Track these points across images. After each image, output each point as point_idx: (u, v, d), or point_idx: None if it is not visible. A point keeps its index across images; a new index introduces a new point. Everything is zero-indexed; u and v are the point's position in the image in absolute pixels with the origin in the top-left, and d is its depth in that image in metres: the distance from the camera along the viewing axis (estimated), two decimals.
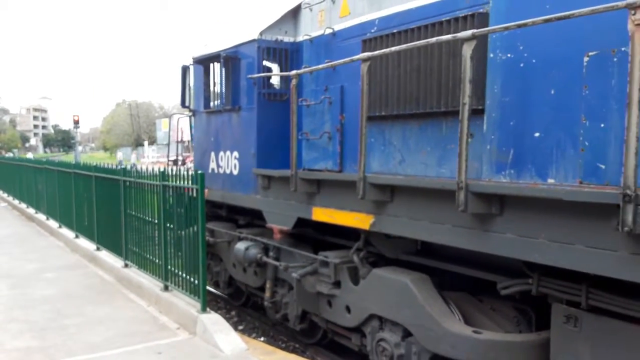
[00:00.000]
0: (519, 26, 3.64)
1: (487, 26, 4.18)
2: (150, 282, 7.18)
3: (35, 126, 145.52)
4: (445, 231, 4.40)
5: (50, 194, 13.12)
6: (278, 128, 6.91)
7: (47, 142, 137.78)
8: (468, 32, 3.88)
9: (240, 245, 7.24)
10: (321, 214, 5.84)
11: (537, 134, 3.87)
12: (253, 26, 7.13)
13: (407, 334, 5.06)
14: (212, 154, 7.97)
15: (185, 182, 6.24)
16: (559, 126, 3.74)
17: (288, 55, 7.07)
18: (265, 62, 7.23)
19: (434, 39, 4.28)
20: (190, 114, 8.65)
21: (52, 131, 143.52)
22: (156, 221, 7.06)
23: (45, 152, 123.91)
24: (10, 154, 56.46)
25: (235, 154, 7.37)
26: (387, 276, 5.25)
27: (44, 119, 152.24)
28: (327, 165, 6.21)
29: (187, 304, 6.20)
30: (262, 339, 7.58)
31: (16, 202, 18.27)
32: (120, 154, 60.78)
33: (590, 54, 3.52)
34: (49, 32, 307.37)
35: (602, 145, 3.44)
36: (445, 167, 4.74)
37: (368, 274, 5.49)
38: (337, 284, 5.90)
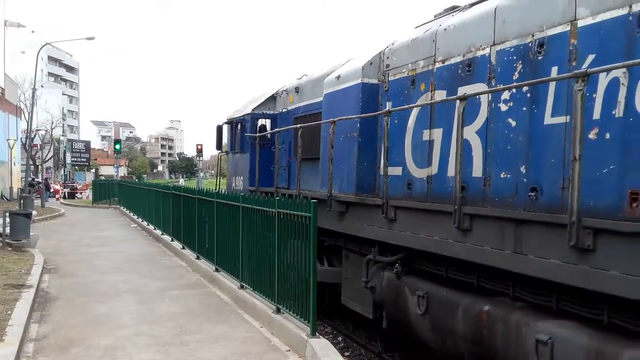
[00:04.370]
0: (303, 126, 8.47)
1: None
2: (263, 304, 7.56)
3: (162, 154, 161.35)
4: None
5: (175, 217, 13.95)
6: (264, 163, 11.83)
7: (173, 168, 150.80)
8: (298, 125, 8.70)
9: None
10: None
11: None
12: (250, 105, 12.30)
13: None
14: (234, 178, 13.19)
15: (298, 210, 6.56)
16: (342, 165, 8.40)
17: (272, 121, 12.12)
18: (262, 122, 12.30)
19: (292, 126, 9.16)
20: (224, 153, 13.95)
21: (177, 158, 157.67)
22: (271, 246, 7.39)
23: (170, 177, 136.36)
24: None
25: (242, 177, 12.51)
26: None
27: (170, 147, 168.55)
28: (283, 185, 11.12)
29: (297, 327, 6.43)
30: None
31: (145, 223, 19.60)
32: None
33: (342, 136, 8.19)
34: (174, 62, 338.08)
35: (347, 174, 8.06)
36: (318, 186, 9.48)
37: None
38: None
